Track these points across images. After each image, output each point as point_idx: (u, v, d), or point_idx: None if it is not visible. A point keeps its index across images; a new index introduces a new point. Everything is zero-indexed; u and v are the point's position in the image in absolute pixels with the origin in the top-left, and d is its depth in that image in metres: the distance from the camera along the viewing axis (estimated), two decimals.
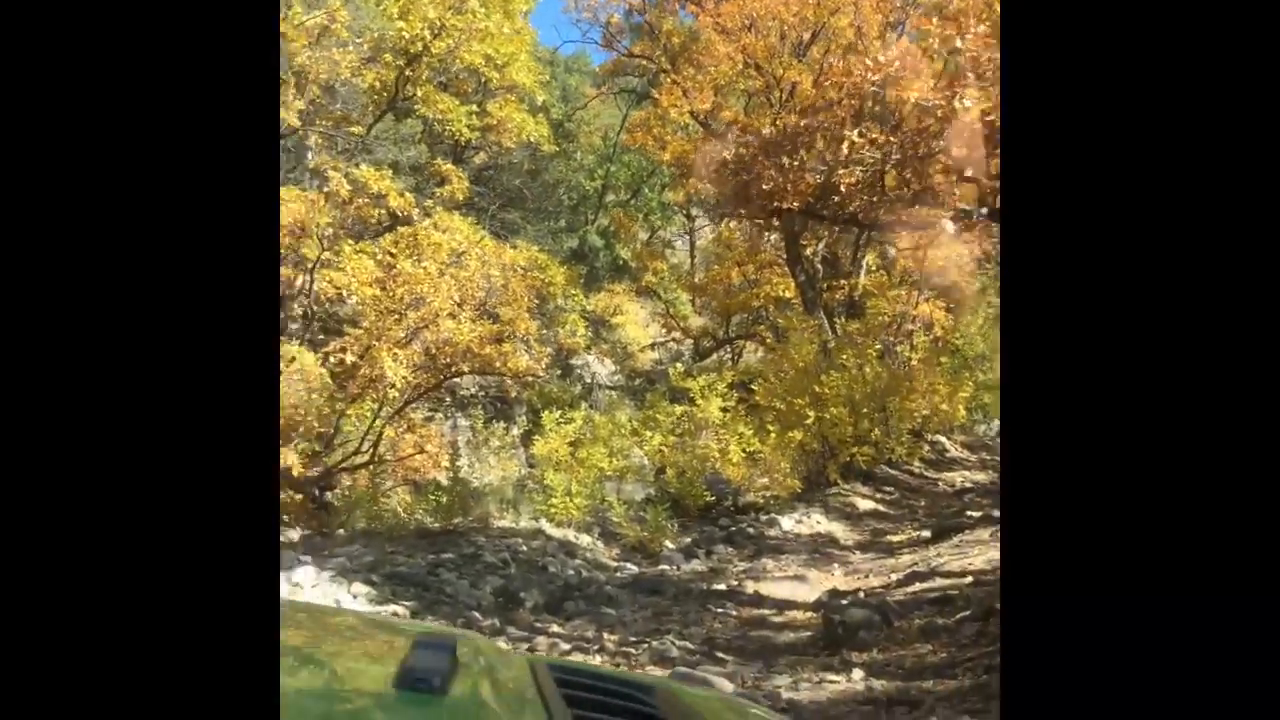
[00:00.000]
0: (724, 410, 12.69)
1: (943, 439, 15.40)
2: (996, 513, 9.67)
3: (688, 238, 28.40)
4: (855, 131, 6.99)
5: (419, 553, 9.23)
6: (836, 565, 9.15)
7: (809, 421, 11.69)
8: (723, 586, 8.48)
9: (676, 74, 18.72)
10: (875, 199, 7.23)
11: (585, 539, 10.93)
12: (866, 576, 8.54)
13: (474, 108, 16.25)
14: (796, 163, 7.27)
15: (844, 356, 12.64)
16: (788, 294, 18.51)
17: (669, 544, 10.87)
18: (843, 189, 7.02)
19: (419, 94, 14.10)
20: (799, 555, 9.66)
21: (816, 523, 11.17)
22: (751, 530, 10.89)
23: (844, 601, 7.42)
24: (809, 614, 7.45)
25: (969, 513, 10.08)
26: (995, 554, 7.79)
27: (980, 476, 13.75)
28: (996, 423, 17.52)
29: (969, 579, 7.18)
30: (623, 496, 12.37)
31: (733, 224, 19.52)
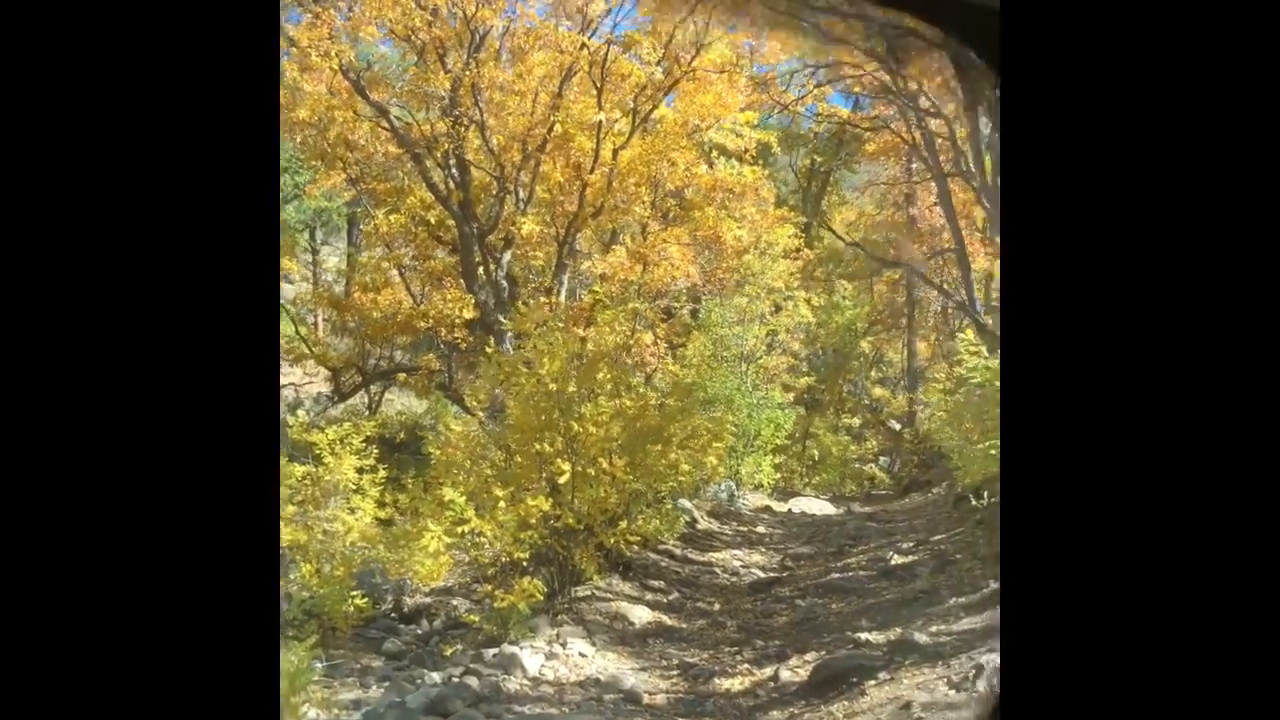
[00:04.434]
0: (359, 471, 8.12)
1: (688, 504, 11.42)
2: (897, 635, 5.64)
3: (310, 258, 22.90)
4: None
5: None
6: None
7: (563, 479, 7.03)
8: None
9: (319, 6, 13.54)
10: None
11: None
12: None
13: None
14: None
15: (593, 382, 8.16)
16: (467, 314, 13.82)
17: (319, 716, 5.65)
18: None
19: None
20: None
21: (580, 655, 6.50)
22: (474, 680, 5.96)
23: None
24: None
25: (861, 635, 5.96)
26: None
27: (759, 558, 9.88)
28: (729, 483, 13.97)
29: None
30: None
31: (393, 216, 14.46)
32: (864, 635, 5.87)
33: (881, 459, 22.83)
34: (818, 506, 14.54)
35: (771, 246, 15.96)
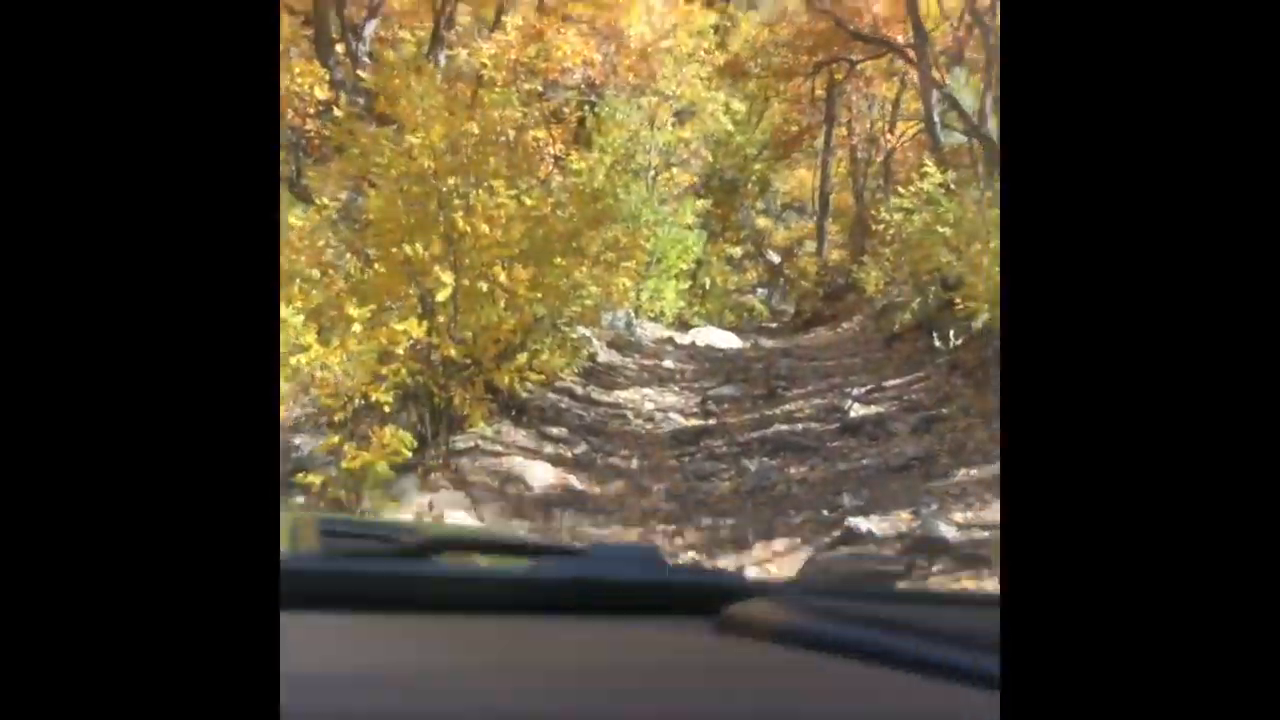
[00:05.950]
0: None
1: (585, 332, 9.66)
2: (908, 524, 4.13)
3: None
4: None
5: None
6: None
7: (443, 294, 5.09)
8: None
9: None
10: None
11: None
12: None
13: None
14: None
15: (483, 172, 6.08)
16: (320, 93, 11.25)
17: None
18: None
19: None
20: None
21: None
22: None
23: None
24: None
25: (852, 520, 4.37)
26: None
27: (673, 399, 8.28)
28: (628, 311, 12.21)
29: None
30: None
31: None
32: (856, 521, 4.30)
33: (759, 291, 21.85)
34: (722, 339, 13.06)
35: (680, 45, 13.77)
